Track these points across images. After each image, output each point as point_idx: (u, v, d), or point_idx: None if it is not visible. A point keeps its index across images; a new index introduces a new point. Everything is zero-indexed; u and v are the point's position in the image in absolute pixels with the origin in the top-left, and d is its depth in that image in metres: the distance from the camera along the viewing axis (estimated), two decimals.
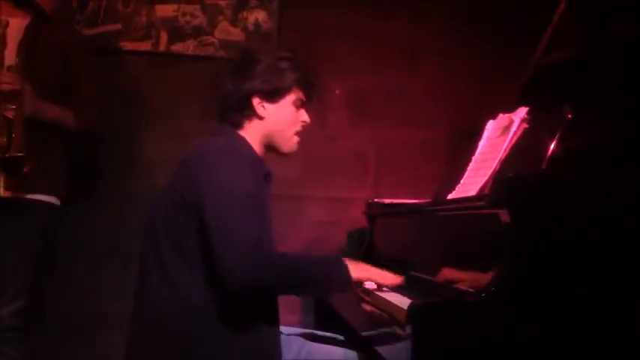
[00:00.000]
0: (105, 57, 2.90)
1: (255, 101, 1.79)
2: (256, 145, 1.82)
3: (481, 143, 2.19)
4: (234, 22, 3.03)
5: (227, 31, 3.03)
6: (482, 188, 1.96)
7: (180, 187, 1.69)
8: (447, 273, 1.80)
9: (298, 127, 1.85)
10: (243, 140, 1.79)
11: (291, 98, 1.82)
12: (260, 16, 3.05)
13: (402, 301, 1.62)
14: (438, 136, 3.13)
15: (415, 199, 2.42)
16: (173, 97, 2.98)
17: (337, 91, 3.13)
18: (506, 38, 3.07)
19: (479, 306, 1.37)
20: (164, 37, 2.99)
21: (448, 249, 1.88)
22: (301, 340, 1.94)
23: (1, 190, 2.24)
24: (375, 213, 2.60)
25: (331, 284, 1.73)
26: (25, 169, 2.17)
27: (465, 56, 3.15)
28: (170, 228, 1.69)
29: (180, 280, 1.67)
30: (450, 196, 2.13)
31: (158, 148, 2.93)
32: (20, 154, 2.16)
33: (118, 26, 2.97)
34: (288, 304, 2.72)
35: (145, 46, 2.98)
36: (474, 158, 2.18)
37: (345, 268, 1.71)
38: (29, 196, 2.32)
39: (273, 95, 1.79)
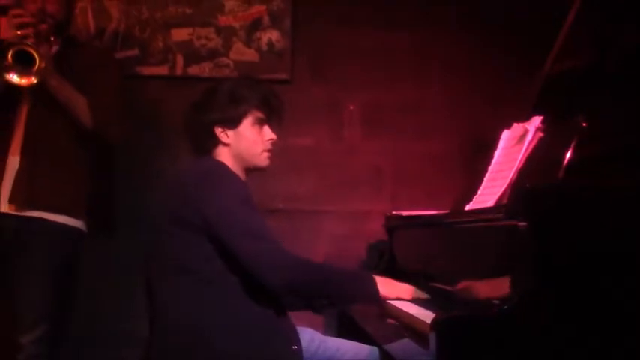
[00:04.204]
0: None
1: (218, 130, 1.93)
2: (232, 168, 1.92)
3: (497, 153, 2.20)
4: (248, 43, 3.09)
5: (241, 52, 3.08)
6: (499, 199, 1.98)
7: (183, 210, 1.79)
8: (468, 285, 1.82)
9: (266, 145, 1.97)
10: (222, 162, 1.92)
11: (249, 121, 1.94)
12: (273, 35, 3.09)
13: (425, 314, 1.64)
14: (453, 147, 3.15)
15: (433, 210, 2.44)
16: None
17: (351, 107, 3.17)
18: (518, 48, 3.08)
19: (501, 318, 1.38)
20: (180, 60, 3.06)
21: (468, 260, 1.89)
22: (312, 331, 2.04)
23: (19, 204, 2.26)
24: (394, 226, 2.62)
25: (359, 297, 1.86)
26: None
27: (478, 67, 3.17)
28: (179, 251, 1.80)
29: (194, 299, 1.78)
30: (467, 207, 2.15)
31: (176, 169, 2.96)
32: None
33: (135, 52, 3.03)
34: (311, 319, 2.74)
35: (162, 70, 3.05)
36: (489, 169, 2.19)
37: (374, 285, 1.82)
38: (53, 219, 2.31)
39: (231, 122, 1.93)
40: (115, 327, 2.92)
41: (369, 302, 1.86)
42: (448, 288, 1.95)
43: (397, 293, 1.88)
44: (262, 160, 1.97)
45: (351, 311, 2.53)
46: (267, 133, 1.98)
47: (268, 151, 1.98)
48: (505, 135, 2.21)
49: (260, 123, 1.96)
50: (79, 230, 2.40)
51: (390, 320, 1.84)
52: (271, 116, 1.98)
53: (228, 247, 1.74)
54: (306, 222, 3.04)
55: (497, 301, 1.47)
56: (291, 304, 2.08)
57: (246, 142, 1.94)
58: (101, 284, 2.90)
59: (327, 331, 2.95)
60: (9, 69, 2.17)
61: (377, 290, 1.83)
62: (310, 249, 2.99)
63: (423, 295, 1.92)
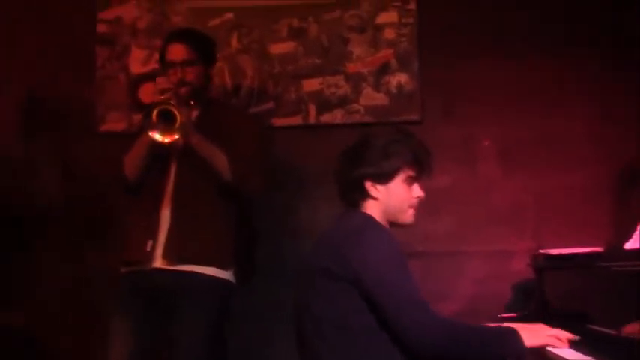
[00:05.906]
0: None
1: (368, 184, 1.94)
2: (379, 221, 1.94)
3: None
4: (377, 88, 3.11)
5: (371, 97, 3.11)
6: None
7: (334, 267, 1.81)
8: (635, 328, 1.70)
9: (413, 202, 1.97)
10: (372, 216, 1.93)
11: (401, 178, 1.94)
12: (402, 78, 3.10)
13: None
14: (596, 179, 2.99)
15: (581, 246, 2.32)
16: (326, 166, 3.06)
17: (486, 143, 3.11)
18: None
19: None
20: (313, 109, 3.13)
21: (634, 304, 1.77)
22: None
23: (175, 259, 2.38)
24: (544, 265, 2.51)
25: (505, 355, 1.79)
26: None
27: (622, 96, 3.02)
28: (330, 308, 1.81)
29: (343, 353, 1.78)
30: (628, 246, 2.02)
31: (315, 218, 3.00)
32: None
33: (270, 104, 3.14)
34: None
35: (296, 120, 3.13)
36: None
37: (519, 339, 1.76)
38: (204, 271, 2.40)
39: (383, 178, 1.93)
40: None
41: (516, 357, 1.80)
42: (611, 332, 1.84)
43: (545, 341, 1.81)
44: (408, 217, 1.98)
45: None
46: (416, 191, 1.98)
47: (414, 208, 1.99)
48: None
49: (410, 181, 1.97)
50: (228, 281, 2.48)
51: None
52: (422, 174, 1.99)
53: (380, 311, 1.76)
54: (446, 263, 2.99)
55: None
56: None
57: (395, 199, 1.95)
58: (241, 334, 2.95)
59: None
60: (153, 128, 2.36)
61: (522, 344, 1.76)
62: (452, 291, 2.94)
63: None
